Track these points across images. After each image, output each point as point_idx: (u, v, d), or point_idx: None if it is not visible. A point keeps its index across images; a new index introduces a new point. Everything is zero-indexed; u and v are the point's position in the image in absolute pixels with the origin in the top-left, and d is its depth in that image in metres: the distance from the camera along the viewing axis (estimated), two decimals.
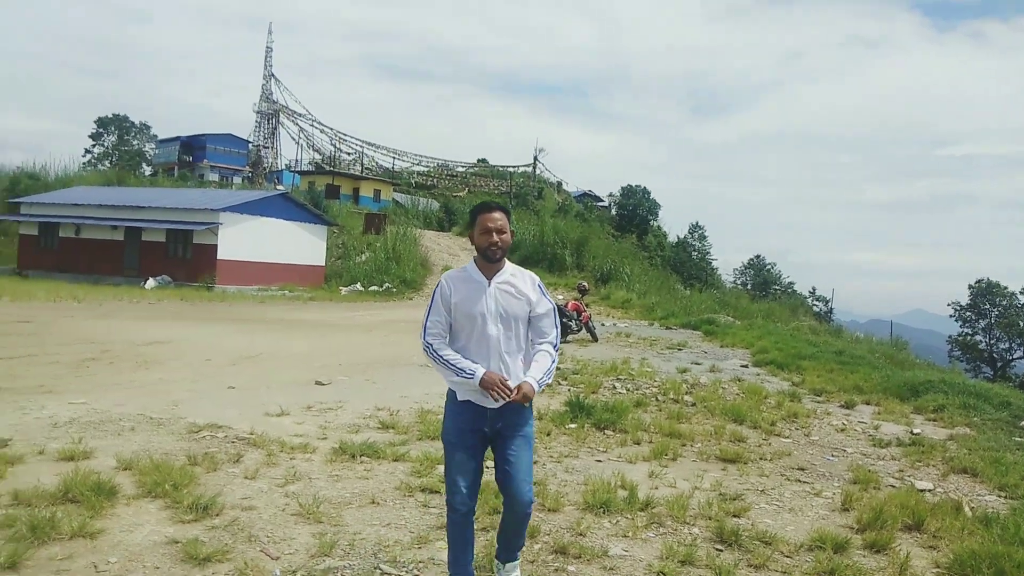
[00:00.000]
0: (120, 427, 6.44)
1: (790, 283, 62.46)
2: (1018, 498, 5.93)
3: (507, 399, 3.27)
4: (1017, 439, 8.22)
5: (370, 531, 4.46)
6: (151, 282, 28.47)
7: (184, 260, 30.36)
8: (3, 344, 11.08)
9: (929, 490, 6.11)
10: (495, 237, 3.37)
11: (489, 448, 3.51)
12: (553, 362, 3.44)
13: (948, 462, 7.03)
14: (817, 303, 60.28)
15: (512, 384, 3.32)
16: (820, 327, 32.65)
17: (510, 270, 3.49)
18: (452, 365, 3.35)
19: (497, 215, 3.40)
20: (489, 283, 3.42)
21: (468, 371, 3.32)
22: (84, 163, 60.04)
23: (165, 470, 5.01)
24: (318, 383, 9.27)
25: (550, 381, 3.42)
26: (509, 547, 3.61)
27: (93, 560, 3.73)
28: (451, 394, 3.48)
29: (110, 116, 67.84)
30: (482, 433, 3.42)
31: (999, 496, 6.06)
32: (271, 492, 5.02)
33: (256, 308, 22.35)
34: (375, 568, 3.94)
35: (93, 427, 6.37)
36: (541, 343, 3.47)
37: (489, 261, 3.41)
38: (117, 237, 31.79)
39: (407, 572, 3.91)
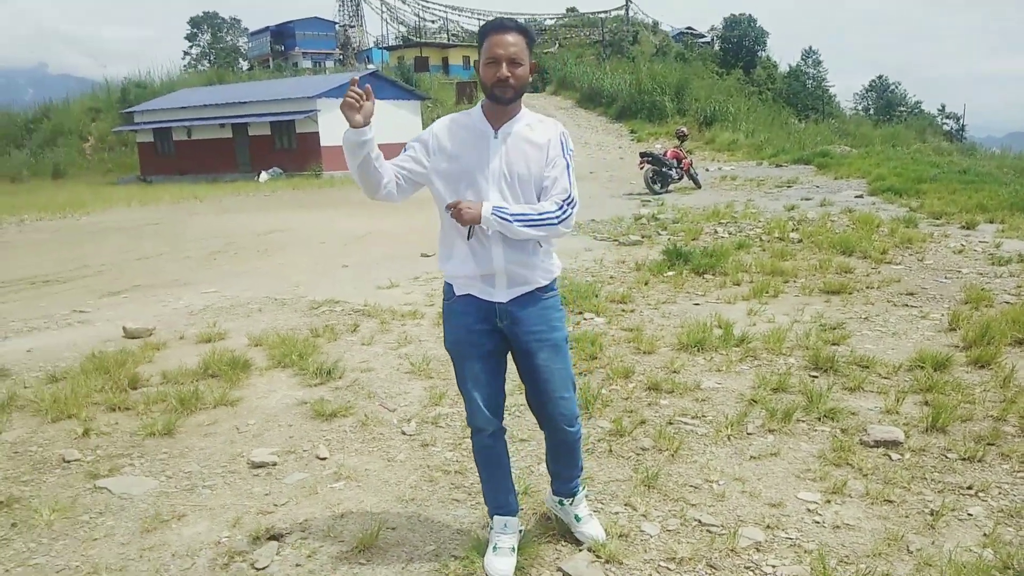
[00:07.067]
0: (249, 310, 7.03)
1: (917, 103, 57.79)
2: None
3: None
4: None
5: None
6: (263, 175, 29.71)
7: (290, 150, 31.35)
8: (139, 245, 12.07)
9: None
10: (505, 70, 2.45)
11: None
12: (543, 215, 2.50)
13: None
14: (947, 121, 55.77)
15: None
16: (949, 147, 30.42)
17: (527, 119, 2.62)
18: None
19: (511, 38, 2.46)
20: (496, 134, 2.57)
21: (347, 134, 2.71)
22: (184, 66, 61.79)
23: (291, 343, 5.49)
24: (423, 255, 9.65)
25: (522, 229, 2.48)
26: (563, 478, 2.88)
27: (235, 424, 4.24)
28: (447, 290, 2.77)
29: (201, 15, 68.84)
30: (497, 334, 2.67)
31: None
32: (386, 355, 5.44)
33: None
34: None
35: (225, 312, 6.98)
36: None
37: (498, 103, 2.54)
38: (226, 135, 33.05)
39: (509, 415, 4.22)
